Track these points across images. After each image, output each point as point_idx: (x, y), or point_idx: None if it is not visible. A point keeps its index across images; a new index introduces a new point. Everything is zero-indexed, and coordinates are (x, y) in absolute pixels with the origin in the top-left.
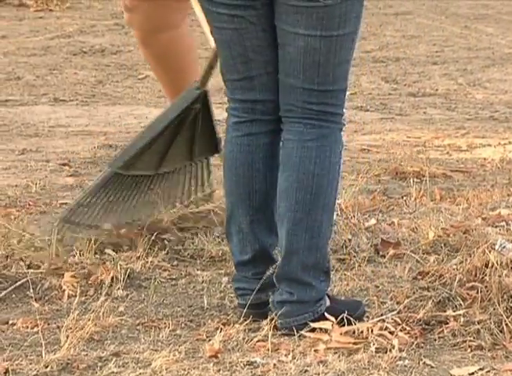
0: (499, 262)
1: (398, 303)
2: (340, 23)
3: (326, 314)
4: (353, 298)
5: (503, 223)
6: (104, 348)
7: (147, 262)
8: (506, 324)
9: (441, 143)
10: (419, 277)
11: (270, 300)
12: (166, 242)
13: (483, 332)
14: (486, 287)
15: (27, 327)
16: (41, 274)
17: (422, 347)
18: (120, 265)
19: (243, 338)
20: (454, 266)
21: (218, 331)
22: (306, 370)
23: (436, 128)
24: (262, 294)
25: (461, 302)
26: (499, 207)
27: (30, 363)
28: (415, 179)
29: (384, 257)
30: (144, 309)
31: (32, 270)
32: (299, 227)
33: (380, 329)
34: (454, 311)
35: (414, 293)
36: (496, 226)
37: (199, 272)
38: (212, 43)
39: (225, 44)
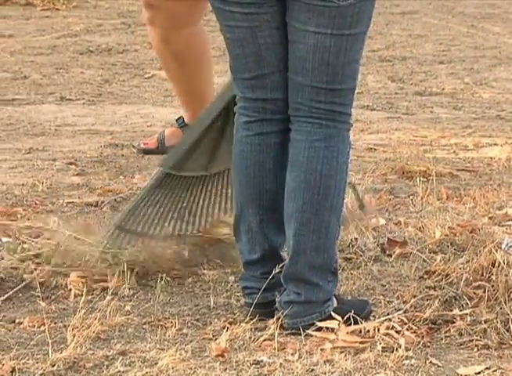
0: (505, 261)
1: (404, 302)
2: (352, 23)
3: (333, 314)
4: (359, 298)
5: (510, 222)
6: (110, 347)
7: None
8: None
9: (448, 142)
10: (425, 276)
11: (277, 300)
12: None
13: (490, 331)
14: (493, 286)
15: (34, 326)
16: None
17: (428, 346)
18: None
19: (250, 337)
20: (461, 265)
21: (225, 330)
22: (312, 370)
23: (443, 127)
24: (269, 293)
25: (468, 302)
26: (506, 206)
27: (37, 362)
28: (421, 178)
29: (391, 256)
30: (150, 308)
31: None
32: (306, 227)
33: (387, 328)
34: (461, 310)
35: (421, 292)
36: (503, 225)
37: (205, 271)
38: None
39: (238, 42)
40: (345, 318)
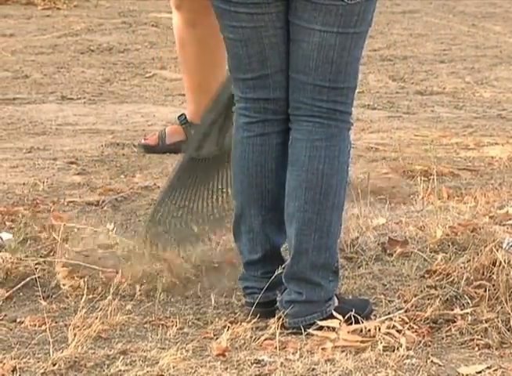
0: (506, 261)
1: (405, 302)
2: (357, 21)
3: (334, 314)
4: (360, 297)
5: (511, 222)
6: (112, 347)
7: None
8: None
9: (449, 142)
10: (426, 276)
11: (278, 299)
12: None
13: (490, 331)
14: (494, 285)
15: (35, 325)
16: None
17: (429, 345)
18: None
19: (251, 337)
20: (462, 265)
21: (226, 330)
22: (313, 369)
23: (443, 126)
24: (270, 292)
25: (469, 301)
26: (507, 205)
27: (38, 361)
28: (422, 178)
29: (392, 255)
30: (151, 307)
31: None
32: (308, 227)
33: (388, 327)
34: (461, 309)
35: (421, 291)
36: (504, 225)
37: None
38: None
39: (242, 43)
40: (346, 317)
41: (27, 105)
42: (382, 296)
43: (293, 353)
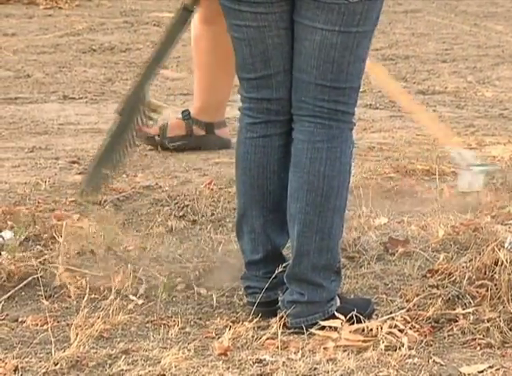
0: (508, 260)
1: (407, 301)
2: (360, 21)
3: (336, 314)
4: (362, 297)
5: None
6: (113, 346)
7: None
8: None
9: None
10: (428, 275)
11: (280, 299)
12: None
13: (492, 330)
14: (496, 285)
15: (37, 325)
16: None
17: (431, 345)
18: (130, 262)
19: (252, 336)
20: (463, 264)
21: (227, 329)
22: (315, 368)
23: (445, 125)
24: (272, 292)
25: (470, 300)
26: (509, 205)
27: (40, 361)
28: (424, 177)
29: (393, 255)
30: (153, 306)
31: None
32: (310, 229)
33: (390, 327)
34: (463, 309)
35: (423, 291)
36: (506, 224)
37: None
38: None
39: (246, 42)
40: (348, 317)
41: (29, 104)
42: (384, 295)
43: (295, 353)
